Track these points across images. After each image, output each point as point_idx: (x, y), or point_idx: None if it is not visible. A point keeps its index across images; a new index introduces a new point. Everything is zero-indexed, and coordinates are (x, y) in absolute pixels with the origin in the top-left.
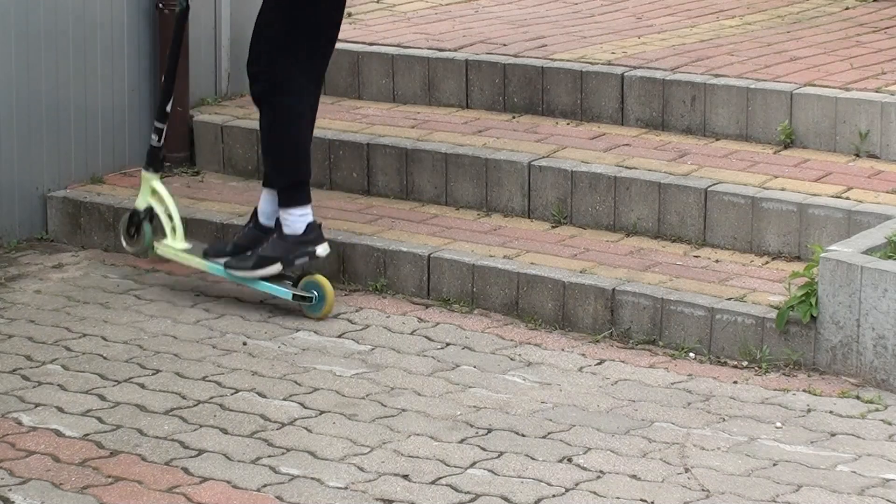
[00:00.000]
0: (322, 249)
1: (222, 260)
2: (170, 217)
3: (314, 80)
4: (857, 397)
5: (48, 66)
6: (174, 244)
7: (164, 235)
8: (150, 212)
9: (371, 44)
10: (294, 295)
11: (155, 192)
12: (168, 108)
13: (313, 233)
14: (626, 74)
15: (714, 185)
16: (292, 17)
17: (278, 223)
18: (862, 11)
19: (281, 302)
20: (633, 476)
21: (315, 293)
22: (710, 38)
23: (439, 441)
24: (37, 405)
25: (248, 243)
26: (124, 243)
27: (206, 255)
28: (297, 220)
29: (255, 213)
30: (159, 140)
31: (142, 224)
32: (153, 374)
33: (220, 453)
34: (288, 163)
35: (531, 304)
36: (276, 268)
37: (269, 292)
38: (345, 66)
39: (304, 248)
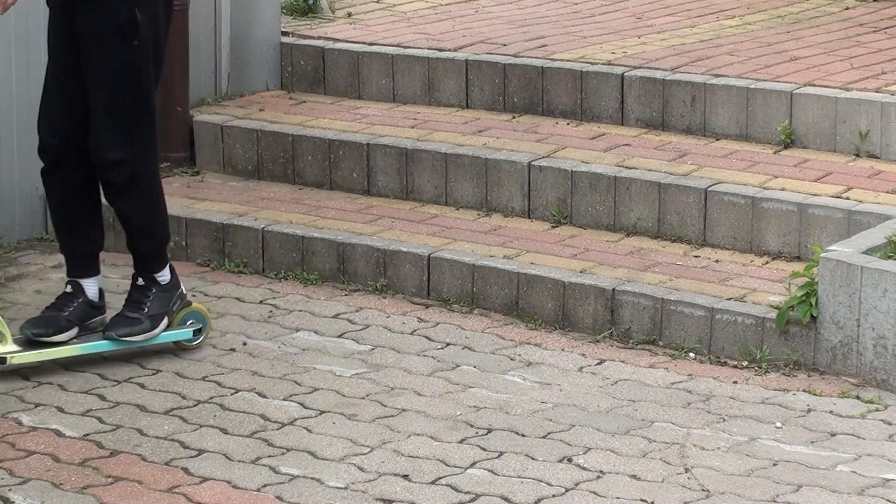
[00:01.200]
0: (183, 287)
1: (77, 337)
2: None
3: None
4: (857, 397)
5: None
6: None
7: None
8: None
9: (371, 44)
10: (195, 331)
11: None
12: None
13: (174, 275)
14: (626, 74)
15: (714, 185)
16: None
17: (153, 280)
18: (862, 11)
19: (281, 302)
20: (633, 476)
21: (193, 320)
22: (710, 38)
23: (439, 441)
24: (37, 405)
25: (82, 318)
26: None
27: (45, 334)
28: (166, 269)
29: (80, 290)
30: None
31: None
32: (153, 374)
33: (220, 453)
34: (163, 226)
35: (531, 304)
36: (166, 321)
37: (172, 340)
38: (345, 66)
39: (178, 292)
